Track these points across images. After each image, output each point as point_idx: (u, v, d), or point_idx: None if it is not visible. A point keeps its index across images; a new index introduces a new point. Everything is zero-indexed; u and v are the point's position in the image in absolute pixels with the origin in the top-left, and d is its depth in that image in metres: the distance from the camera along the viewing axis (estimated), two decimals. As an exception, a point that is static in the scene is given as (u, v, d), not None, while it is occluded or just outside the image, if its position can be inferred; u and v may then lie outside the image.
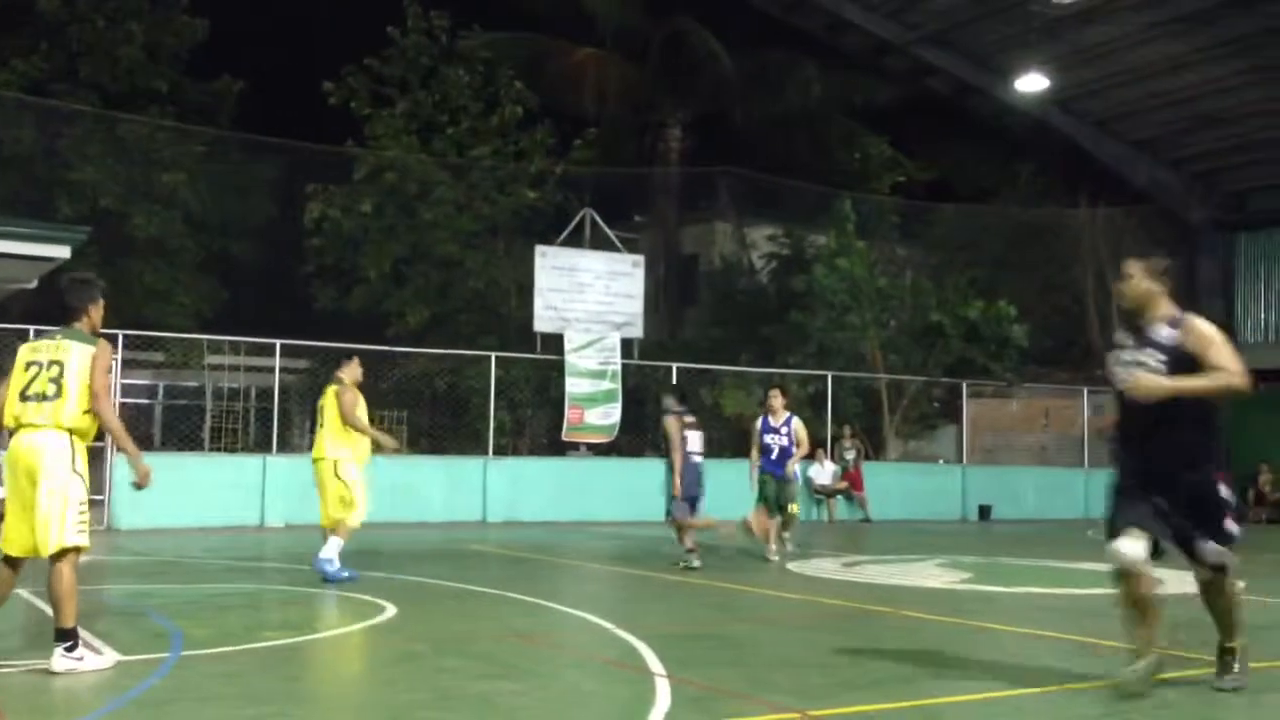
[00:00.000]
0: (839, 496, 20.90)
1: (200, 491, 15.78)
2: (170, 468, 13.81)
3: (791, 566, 11.69)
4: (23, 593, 8.54)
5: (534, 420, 22.41)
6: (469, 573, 10.93)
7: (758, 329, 24.20)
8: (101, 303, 6.21)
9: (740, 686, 5.74)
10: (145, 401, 23.06)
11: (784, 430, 11.86)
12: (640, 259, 21.98)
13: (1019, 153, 28.01)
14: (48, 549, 5.70)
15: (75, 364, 5.83)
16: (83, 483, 5.82)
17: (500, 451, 19.11)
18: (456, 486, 18.03)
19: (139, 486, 6.15)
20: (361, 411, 9.93)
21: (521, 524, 17.63)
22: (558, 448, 20.90)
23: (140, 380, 22.02)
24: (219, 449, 19.64)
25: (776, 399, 12.02)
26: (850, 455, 21.19)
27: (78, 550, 5.80)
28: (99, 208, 21.63)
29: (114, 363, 6.07)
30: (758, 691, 5.62)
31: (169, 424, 23.26)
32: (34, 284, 18.52)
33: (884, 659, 6.53)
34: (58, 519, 5.71)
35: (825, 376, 21.42)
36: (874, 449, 22.91)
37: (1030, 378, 24.40)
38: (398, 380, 20.82)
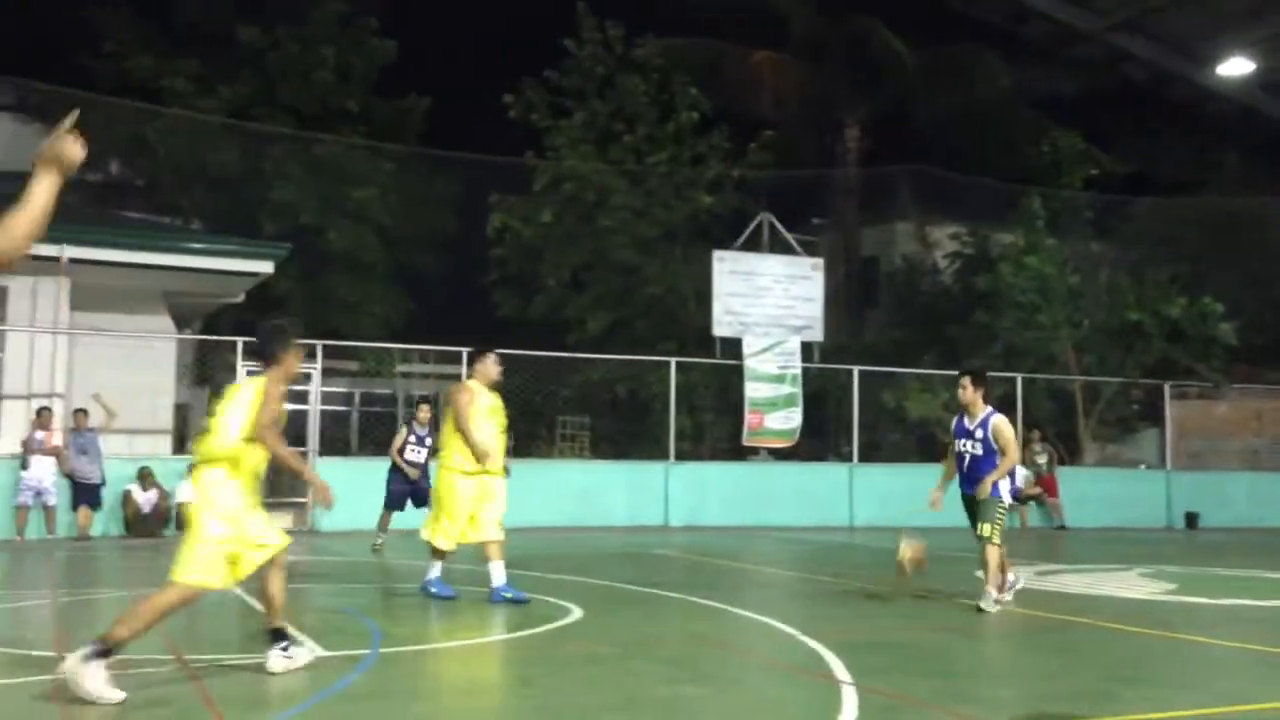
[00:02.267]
0: (1031, 503, 20.17)
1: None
2: (367, 471, 14.34)
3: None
4: (238, 592, 9.02)
5: (714, 425, 22.41)
6: (653, 577, 11.00)
7: (941, 330, 23.61)
8: (295, 348, 6.09)
9: (930, 697, 5.58)
10: (342, 409, 24.09)
11: (978, 433, 8.85)
12: (820, 261, 21.73)
13: (1221, 141, 26.51)
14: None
15: (241, 398, 5.87)
16: (216, 521, 5.71)
17: (681, 456, 19.20)
18: (639, 491, 18.19)
19: (325, 506, 6.24)
20: (476, 414, 8.72)
21: (703, 529, 17.64)
22: (738, 452, 20.85)
23: (337, 388, 23.02)
24: (411, 453, 20.29)
25: (966, 390, 8.96)
26: (1042, 460, 20.42)
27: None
28: (298, 224, 22.69)
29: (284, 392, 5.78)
30: (949, 702, 5.46)
31: (364, 429, 24.27)
32: (241, 298, 19.65)
33: (1081, 672, 6.26)
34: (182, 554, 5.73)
35: (1014, 379, 20.70)
36: (1068, 454, 22.03)
37: (1240, 378, 23.05)
38: (579, 386, 21.14)
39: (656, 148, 24.23)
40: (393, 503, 13.25)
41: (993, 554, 8.66)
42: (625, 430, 20.97)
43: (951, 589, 9.86)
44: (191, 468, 6.21)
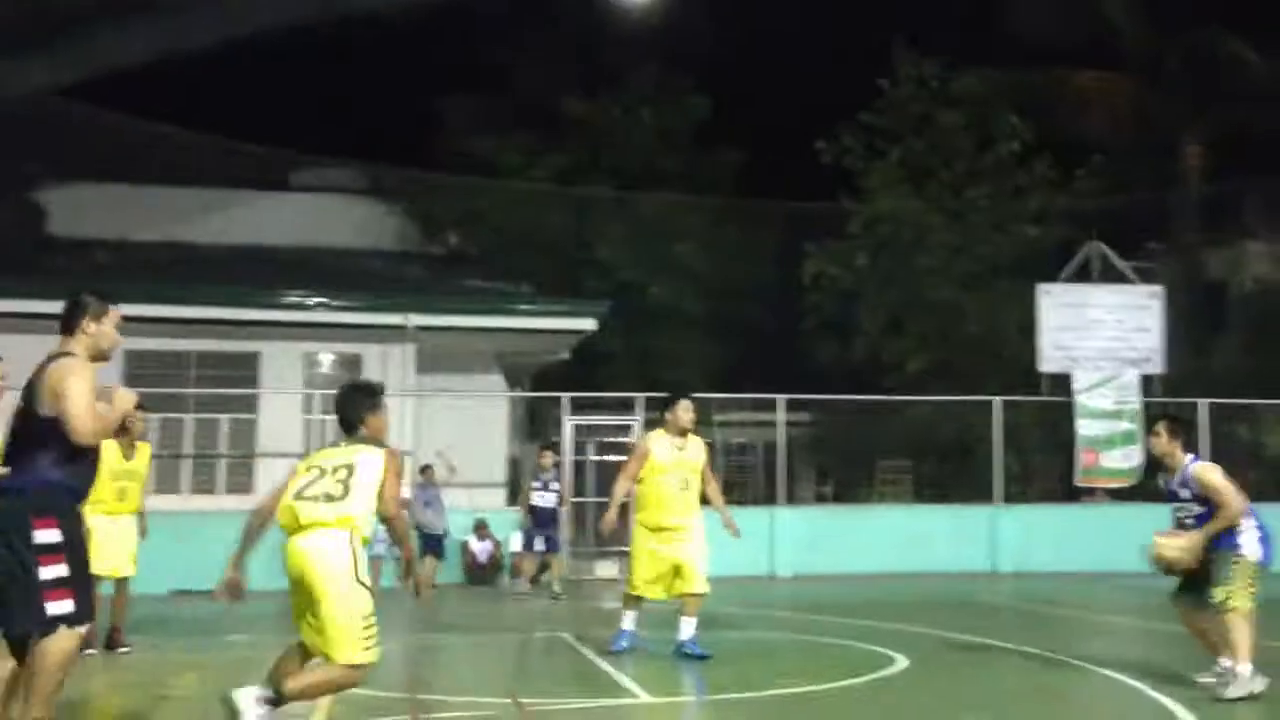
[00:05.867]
0: None
1: (710, 541, 16.55)
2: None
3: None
4: (566, 636, 9.39)
5: (1043, 465, 21.25)
6: (981, 625, 10.51)
7: (1308, 356, 21.40)
8: (382, 412, 5.68)
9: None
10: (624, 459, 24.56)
11: (1184, 492, 7.06)
12: (1158, 289, 20.24)
13: None
14: (337, 660, 5.22)
15: (366, 467, 5.33)
16: (368, 594, 5.24)
17: (1009, 499, 18.30)
18: (964, 535, 17.46)
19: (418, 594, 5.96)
20: (636, 467, 8.29)
21: (1034, 574, 16.70)
22: (1071, 494, 19.66)
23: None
24: (730, 501, 20.51)
25: (1161, 439, 7.24)
26: None
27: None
28: (619, 282, 23.57)
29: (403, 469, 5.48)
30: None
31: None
32: (567, 355, 20.59)
33: None
34: (345, 634, 5.16)
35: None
36: None
37: None
38: (899, 430, 20.66)
39: (975, 181, 23.52)
40: (551, 546, 13.98)
41: (1234, 623, 6.62)
42: (949, 473, 20.25)
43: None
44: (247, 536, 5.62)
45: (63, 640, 4.72)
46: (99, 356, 5.07)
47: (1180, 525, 7.04)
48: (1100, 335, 19.31)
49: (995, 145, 23.44)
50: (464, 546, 15.74)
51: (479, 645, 9.58)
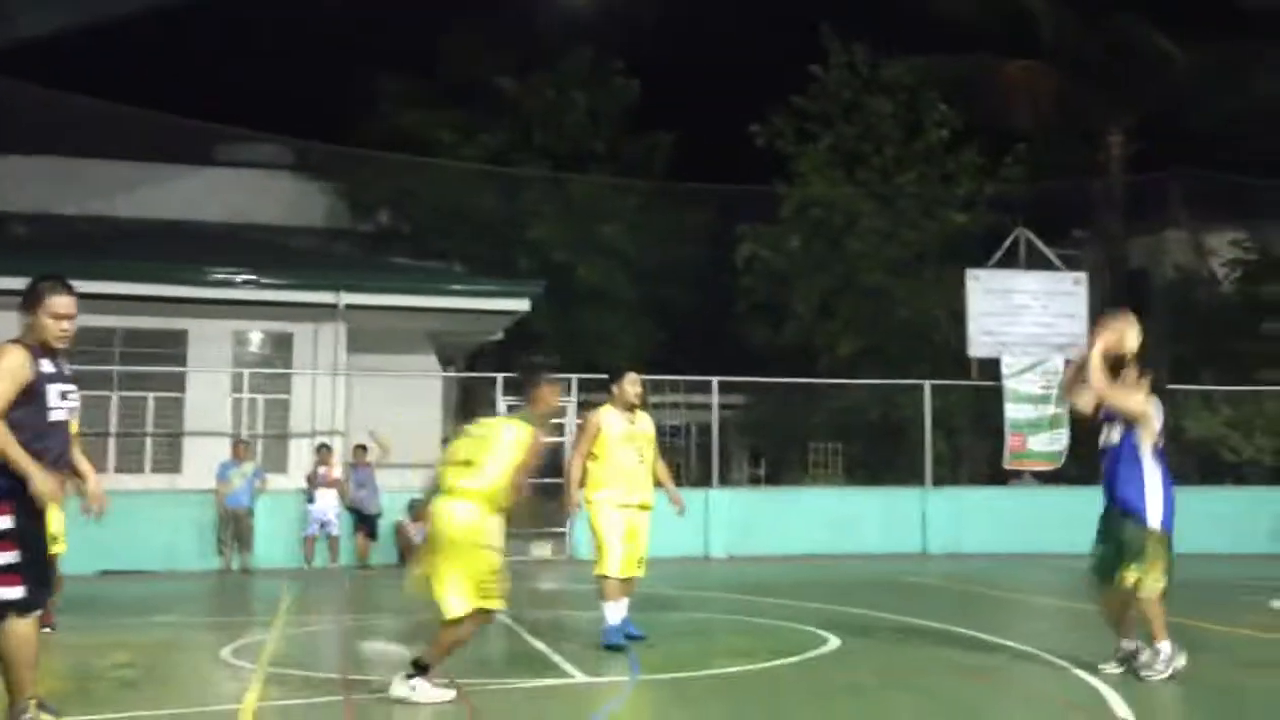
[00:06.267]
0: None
1: (652, 524, 16.61)
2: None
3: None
4: (502, 617, 9.35)
5: (972, 448, 21.65)
6: (911, 606, 10.67)
7: (1223, 343, 21.98)
8: (549, 384, 6.37)
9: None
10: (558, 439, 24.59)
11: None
12: (1082, 276, 20.70)
13: None
14: (444, 613, 5.82)
15: (504, 441, 5.94)
16: (494, 554, 5.83)
17: (939, 481, 18.61)
18: (894, 517, 17.74)
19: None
20: (586, 443, 7.99)
21: (964, 556, 17.03)
22: (999, 477, 20.06)
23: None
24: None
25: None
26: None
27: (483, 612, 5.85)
28: (550, 262, 23.50)
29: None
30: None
31: (619, 460, 24.72)
32: (500, 335, 20.49)
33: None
34: (468, 587, 5.75)
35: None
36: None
37: None
38: (831, 413, 20.87)
39: (905, 168, 23.77)
40: None
41: (1147, 605, 6.53)
42: (879, 456, 20.54)
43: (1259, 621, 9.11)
44: (426, 497, 6.26)
45: (15, 627, 4.69)
46: (44, 346, 4.98)
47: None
48: (1027, 321, 19.70)
49: (924, 132, 23.70)
50: (398, 527, 15.62)
51: (411, 626, 9.52)
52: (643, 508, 8.04)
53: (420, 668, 5.82)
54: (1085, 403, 6.88)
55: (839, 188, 23.45)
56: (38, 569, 4.87)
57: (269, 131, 25.01)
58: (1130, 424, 6.70)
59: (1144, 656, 6.60)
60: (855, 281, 23.30)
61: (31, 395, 4.84)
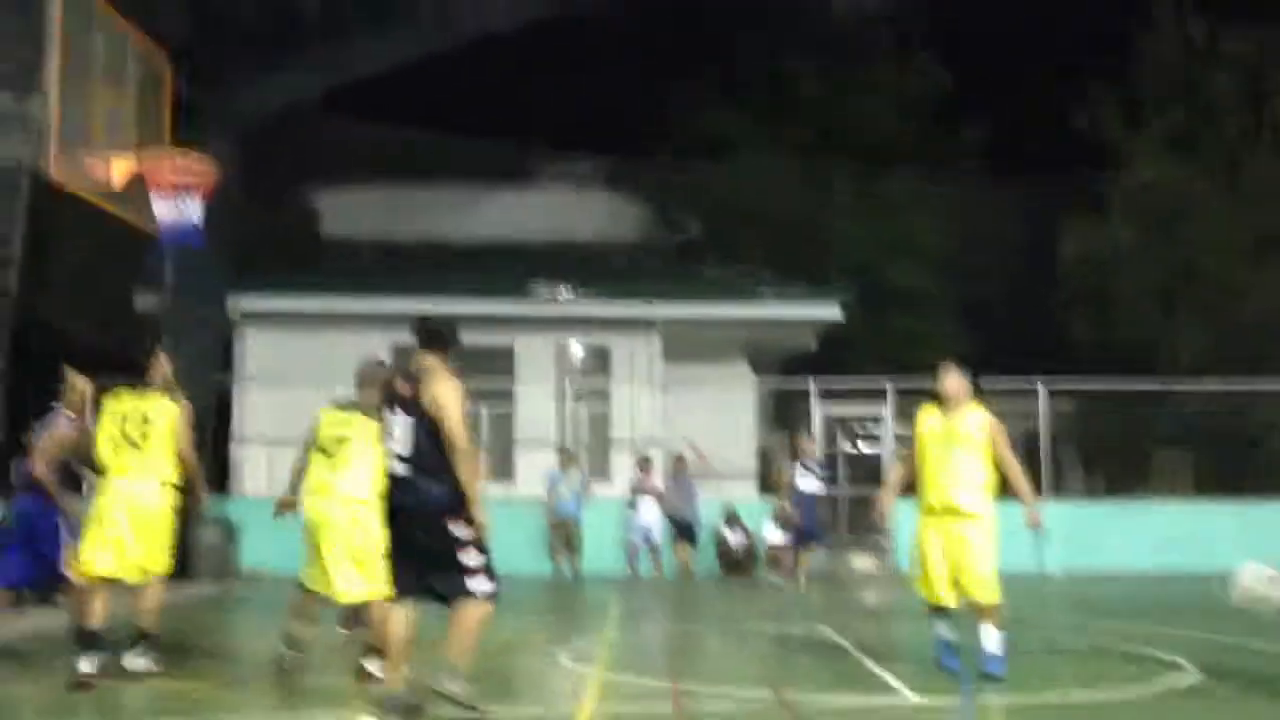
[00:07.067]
0: None
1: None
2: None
3: None
4: (826, 630, 9.18)
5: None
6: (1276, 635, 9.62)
7: None
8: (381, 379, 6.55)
9: None
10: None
11: None
12: None
13: None
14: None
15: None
16: None
17: (1309, 492, 16.81)
18: (1253, 533, 16.15)
19: None
20: (911, 451, 7.37)
21: (1336, 577, 15.27)
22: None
23: (907, 430, 22.88)
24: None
25: None
26: None
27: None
28: (859, 264, 23.05)
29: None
30: None
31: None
32: (812, 344, 20.24)
33: None
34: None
35: None
36: None
37: None
38: (1175, 418, 19.35)
39: (1249, 148, 21.79)
40: (810, 537, 13.58)
41: None
42: (1233, 465, 18.81)
43: None
44: None
45: (480, 610, 5.57)
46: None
47: None
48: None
49: (1271, 105, 21.62)
50: (718, 536, 15.76)
51: (735, 636, 9.53)
52: (956, 515, 7.09)
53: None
54: None
55: (1173, 172, 21.75)
56: (493, 568, 5.64)
57: (582, 149, 25.96)
58: None
59: None
60: (1197, 271, 21.52)
61: None
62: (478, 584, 5.53)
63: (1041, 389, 17.00)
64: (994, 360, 20.21)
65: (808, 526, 13.48)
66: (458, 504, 5.50)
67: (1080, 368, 19.37)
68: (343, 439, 6.55)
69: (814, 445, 13.91)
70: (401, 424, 5.52)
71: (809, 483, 13.45)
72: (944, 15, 25.37)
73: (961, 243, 24.18)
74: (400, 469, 5.53)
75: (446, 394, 5.47)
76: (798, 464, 13.66)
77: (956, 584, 7.08)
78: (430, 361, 5.62)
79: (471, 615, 5.53)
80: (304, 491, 6.70)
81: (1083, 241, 22.47)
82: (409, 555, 5.54)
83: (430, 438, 5.46)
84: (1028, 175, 23.60)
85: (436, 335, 5.70)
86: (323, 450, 6.63)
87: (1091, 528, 16.19)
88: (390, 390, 5.82)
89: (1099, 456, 21.61)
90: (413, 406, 5.52)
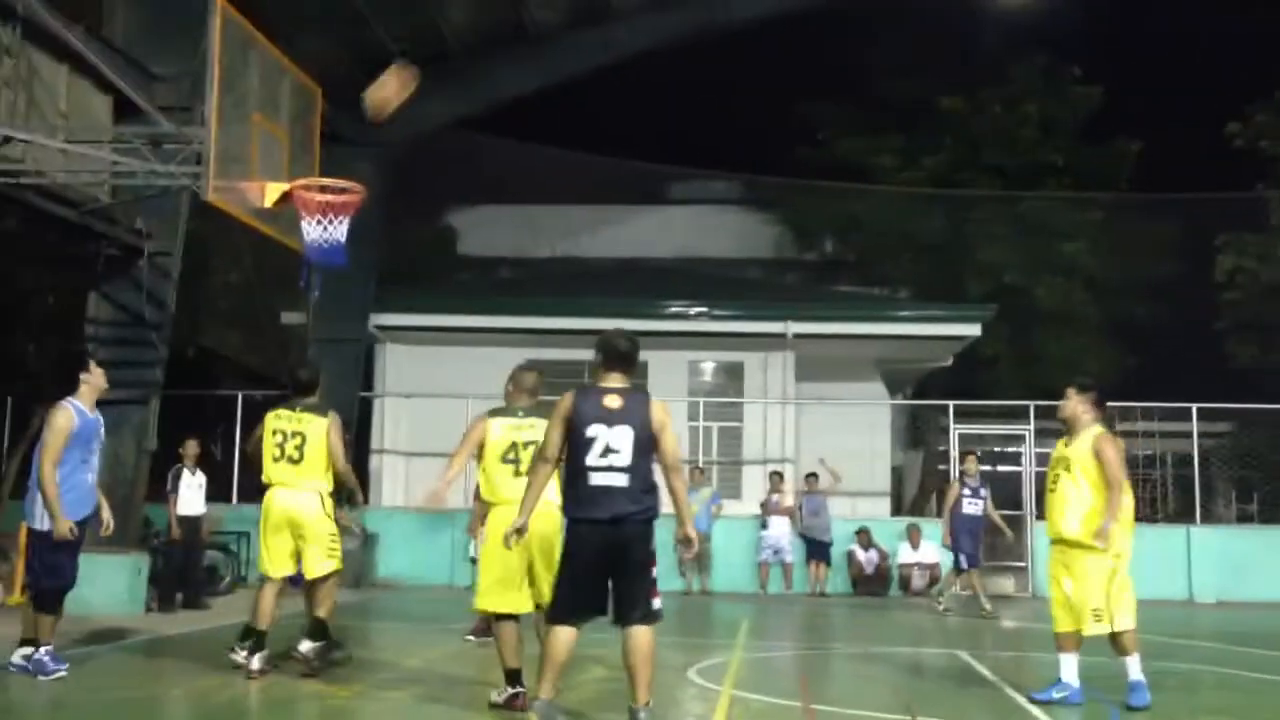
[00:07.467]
0: None
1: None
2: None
3: None
4: (963, 654, 8.97)
5: None
6: None
7: None
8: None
9: None
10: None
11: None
12: None
13: None
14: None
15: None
16: None
17: None
18: None
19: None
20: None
21: None
22: None
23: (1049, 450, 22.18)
24: (1138, 518, 18.94)
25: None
26: None
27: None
28: (1003, 284, 22.49)
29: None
30: None
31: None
32: (949, 361, 19.87)
33: None
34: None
35: None
36: None
37: None
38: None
39: None
40: (971, 561, 12.87)
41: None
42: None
43: None
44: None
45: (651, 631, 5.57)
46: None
47: None
48: None
49: None
50: (850, 556, 15.54)
51: (869, 657, 9.35)
52: (1064, 543, 6.83)
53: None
54: None
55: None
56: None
57: (718, 168, 26.00)
58: None
59: None
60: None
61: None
62: (659, 602, 5.61)
63: (1194, 411, 16.32)
64: (1148, 382, 19.64)
65: (969, 549, 12.95)
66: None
67: (1238, 390, 18.55)
68: (529, 443, 6.22)
69: (974, 463, 13.32)
70: (619, 436, 5.53)
71: (970, 504, 12.99)
72: (1098, 30, 24.71)
73: (1114, 263, 23.42)
74: (619, 480, 5.53)
75: (665, 413, 5.68)
76: (963, 485, 13.16)
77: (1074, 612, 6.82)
78: (627, 380, 5.70)
79: (650, 639, 5.53)
80: (486, 501, 6.38)
81: (1241, 259, 21.55)
82: (600, 568, 5.55)
83: (644, 453, 5.56)
84: (1183, 192, 22.76)
85: (626, 357, 5.73)
86: (504, 459, 6.28)
87: (1244, 554, 15.44)
88: (582, 399, 5.62)
89: (1254, 481, 20.64)
90: (630, 418, 5.54)
